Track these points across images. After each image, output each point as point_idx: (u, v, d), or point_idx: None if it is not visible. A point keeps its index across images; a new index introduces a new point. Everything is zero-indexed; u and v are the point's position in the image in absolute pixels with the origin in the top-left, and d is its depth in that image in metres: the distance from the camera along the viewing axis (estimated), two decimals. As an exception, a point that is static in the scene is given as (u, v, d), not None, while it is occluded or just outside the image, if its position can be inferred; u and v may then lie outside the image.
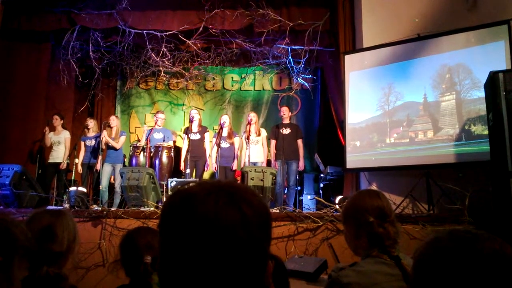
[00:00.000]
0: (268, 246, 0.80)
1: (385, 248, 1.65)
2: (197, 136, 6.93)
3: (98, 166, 6.64)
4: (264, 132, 6.98)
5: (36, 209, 1.86)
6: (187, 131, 7.00)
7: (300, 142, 6.84)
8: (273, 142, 6.88)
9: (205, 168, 6.91)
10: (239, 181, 6.76)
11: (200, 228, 0.72)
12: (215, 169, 6.71)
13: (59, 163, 6.92)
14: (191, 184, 0.82)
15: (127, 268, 1.95)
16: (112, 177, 6.83)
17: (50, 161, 7.02)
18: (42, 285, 1.61)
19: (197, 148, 6.83)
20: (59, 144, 7.03)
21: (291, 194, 6.62)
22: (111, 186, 6.80)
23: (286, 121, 6.92)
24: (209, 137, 7.14)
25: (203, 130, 7.04)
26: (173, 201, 0.79)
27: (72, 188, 5.60)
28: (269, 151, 7.01)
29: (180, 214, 0.75)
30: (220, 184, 0.80)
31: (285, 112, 6.92)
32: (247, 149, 6.70)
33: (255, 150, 6.71)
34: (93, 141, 6.93)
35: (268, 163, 6.98)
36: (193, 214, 0.74)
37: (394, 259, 1.62)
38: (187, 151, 6.74)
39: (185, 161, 6.75)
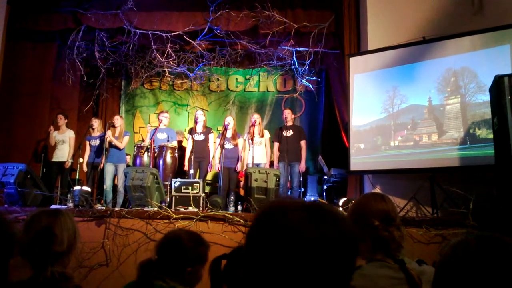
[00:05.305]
0: (351, 271, 0.82)
1: (390, 252, 1.65)
2: (201, 137, 6.94)
3: (102, 166, 6.68)
4: (267, 134, 6.98)
5: (33, 211, 1.87)
6: (192, 131, 7.01)
7: (303, 143, 6.83)
8: (276, 144, 6.88)
9: (209, 169, 6.94)
10: (242, 182, 6.79)
11: (288, 241, 0.76)
12: (218, 169, 6.73)
13: (63, 162, 6.96)
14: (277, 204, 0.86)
15: None
16: (116, 177, 6.85)
17: (53, 159, 7.08)
18: (48, 285, 1.62)
19: (201, 149, 6.85)
20: (63, 143, 7.08)
21: (295, 196, 6.61)
22: (114, 186, 6.82)
23: (289, 123, 6.91)
24: (213, 138, 7.15)
25: (207, 131, 7.05)
26: (266, 213, 0.84)
27: (77, 187, 5.61)
28: (272, 152, 7.01)
29: (278, 236, 0.78)
30: (315, 205, 0.83)
31: (287, 115, 6.92)
32: (249, 150, 6.71)
33: (258, 152, 6.71)
34: (98, 141, 6.97)
35: (271, 164, 6.98)
36: (292, 236, 0.77)
37: (398, 263, 1.62)
38: (191, 151, 6.75)
39: (189, 161, 6.76)
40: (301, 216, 0.79)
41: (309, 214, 0.79)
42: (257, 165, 6.55)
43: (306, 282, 0.74)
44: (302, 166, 6.72)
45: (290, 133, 6.78)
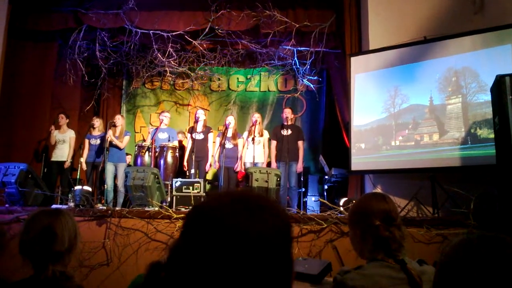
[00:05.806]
0: (291, 254, 0.82)
1: (390, 252, 1.65)
2: (201, 136, 6.95)
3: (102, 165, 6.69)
4: (266, 134, 6.98)
5: (33, 211, 1.86)
6: (192, 130, 7.01)
7: (300, 143, 6.80)
8: (273, 143, 6.86)
9: (207, 168, 6.93)
10: (241, 182, 6.78)
11: (225, 241, 0.74)
12: (217, 167, 6.73)
13: (62, 162, 6.95)
14: (207, 197, 0.84)
15: None
16: (116, 176, 6.85)
17: (53, 159, 7.07)
18: (49, 284, 1.62)
19: (200, 148, 6.86)
20: (63, 142, 7.08)
21: (294, 196, 6.61)
22: (115, 186, 6.82)
23: (289, 122, 6.90)
24: (212, 137, 7.15)
25: (207, 130, 7.06)
26: (195, 216, 0.81)
27: (77, 187, 5.62)
28: (270, 151, 6.98)
29: (204, 229, 0.77)
30: (240, 195, 0.82)
31: (287, 114, 6.90)
32: (247, 148, 6.71)
33: (256, 151, 6.70)
34: (98, 140, 6.96)
35: (268, 164, 6.97)
36: (218, 227, 0.75)
37: (399, 263, 1.62)
38: (191, 151, 6.75)
39: (188, 161, 6.76)
40: (233, 211, 0.78)
41: (240, 208, 0.78)
42: (255, 164, 6.55)
43: (243, 278, 0.73)
44: (300, 166, 6.70)
45: (289, 132, 6.78)
